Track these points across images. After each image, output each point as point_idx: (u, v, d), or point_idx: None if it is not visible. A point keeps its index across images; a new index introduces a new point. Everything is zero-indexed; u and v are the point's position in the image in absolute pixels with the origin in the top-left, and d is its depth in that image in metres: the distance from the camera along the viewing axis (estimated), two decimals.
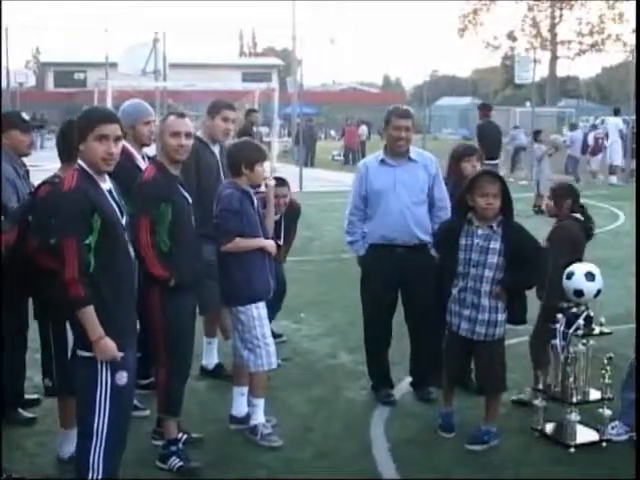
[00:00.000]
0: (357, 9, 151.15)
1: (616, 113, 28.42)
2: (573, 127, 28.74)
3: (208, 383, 7.05)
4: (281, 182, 7.29)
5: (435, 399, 6.54)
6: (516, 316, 6.03)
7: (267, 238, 5.93)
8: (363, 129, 38.19)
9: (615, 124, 27.51)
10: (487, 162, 11.68)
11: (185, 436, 5.65)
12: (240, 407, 6.09)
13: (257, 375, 5.89)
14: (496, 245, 5.73)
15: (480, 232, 5.79)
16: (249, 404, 6.02)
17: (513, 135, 31.82)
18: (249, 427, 5.93)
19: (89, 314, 4.14)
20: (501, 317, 5.83)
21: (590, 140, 28.56)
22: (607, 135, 27.45)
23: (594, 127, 33.38)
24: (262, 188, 6.25)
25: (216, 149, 6.80)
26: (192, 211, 5.39)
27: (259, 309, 5.80)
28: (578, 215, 6.55)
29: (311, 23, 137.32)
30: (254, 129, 14.58)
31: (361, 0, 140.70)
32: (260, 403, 5.91)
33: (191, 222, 5.37)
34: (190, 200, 5.38)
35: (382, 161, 6.61)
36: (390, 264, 6.54)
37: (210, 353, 7.24)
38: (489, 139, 16.08)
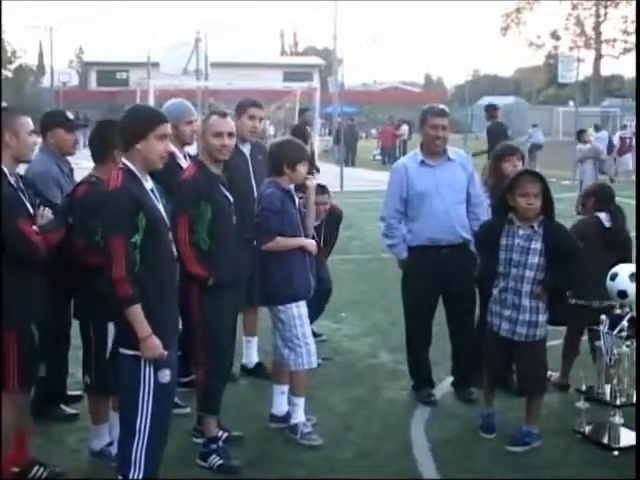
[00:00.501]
0: (399, 8, 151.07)
1: None
2: (597, 128, 28.47)
3: (248, 382, 7.08)
4: (321, 189, 7.27)
5: (476, 400, 6.51)
6: (557, 317, 6.00)
7: (308, 237, 5.93)
8: (404, 129, 38.09)
9: None
10: None
11: (225, 434, 5.68)
12: (280, 406, 6.10)
13: (297, 374, 5.89)
14: (537, 245, 5.69)
15: (521, 232, 5.74)
16: (289, 403, 6.02)
17: (530, 133, 31.94)
18: (289, 426, 5.93)
19: (137, 312, 4.17)
20: (542, 318, 5.78)
21: (615, 140, 28.36)
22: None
23: (624, 127, 33.20)
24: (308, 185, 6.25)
25: (245, 148, 6.76)
26: (233, 210, 5.40)
27: (299, 308, 5.81)
28: (602, 214, 6.58)
29: (352, 22, 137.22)
30: (308, 128, 14.56)
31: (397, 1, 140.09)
32: (300, 402, 5.92)
33: (231, 221, 5.38)
34: (231, 199, 5.40)
35: (422, 162, 6.58)
36: (435, 264, 6.51)
37: (250, 352, 7.26)
38: (499, 139, 16.02)
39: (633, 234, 7.15)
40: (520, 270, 5.72)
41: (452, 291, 6.60)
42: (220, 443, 5.50)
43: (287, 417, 6.00)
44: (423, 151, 6.62)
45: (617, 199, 7.01)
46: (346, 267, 11.76)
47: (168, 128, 4.42)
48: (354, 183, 24.44)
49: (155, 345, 4.20)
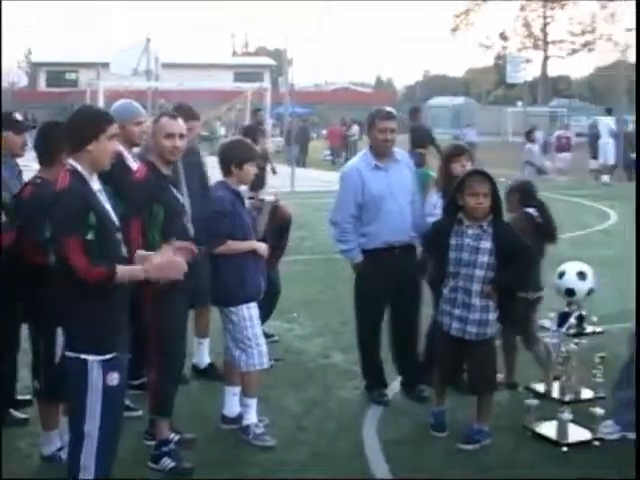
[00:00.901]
0: (350, 8, 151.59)
1: (609, 113, 28.48)
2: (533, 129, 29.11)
3: (200, 383, 7.05)
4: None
5: (428, 398, 6.54)
6: (507, 315, 6.06)
7: (259, 240, 5.93)
8: (355, 129, 38.18)
9: (607, 124, 27.57)
10: None
11: (177, 436, 5.65)
12: (232, 407, 6.09)
13: (249, 375, 5.88)
14: (486, 245, 5.73)
15: (470, 232, 5.79)
16: (241, 404, 6.01)
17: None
18: (241, 427, 5.93)
19: (123, 271, 4.16)
20: (492, 317, 5.83)
21: (552, 139, 28.95)
22: (598, 135, 27.54)
23: (566, 127, 33.96)
24: (266, 197, 6.25)
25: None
26: (184, 212, 5.38)
27: (250, 309, 5.80)
28: (531, 210, 6.70)
29: (303, 23, 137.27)
30: (261, 128, 14.52)
31: (353, 0, 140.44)
32: (252, 403, 5.91)
33: (183, 222, 5.36)
34: (182, 200, 5.38)
35: (376, 166, 6.60)
36: (389, 266, 6.56)
37: (202, 352, 7.24)
38: (422, 141, 16.28)
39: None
40: (470, 269, 5.76)
41: (402, 290, 6.65)
42: (172, 445, 5.47)
43: (239, 418, 5.99)
44: (373, 153, 6.64)
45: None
46: (298, 267, 11.75)
47: (117, 128, 4.39)
48: (306, 183, 24.47)
49: (158, 268, 4.24)
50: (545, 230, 6.79)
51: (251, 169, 5.85)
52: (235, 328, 5.80)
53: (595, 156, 27.95)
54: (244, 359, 5.81)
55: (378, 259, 6.58)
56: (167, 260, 4.29)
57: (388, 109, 6.77)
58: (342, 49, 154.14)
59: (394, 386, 6.95)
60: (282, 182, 22.38)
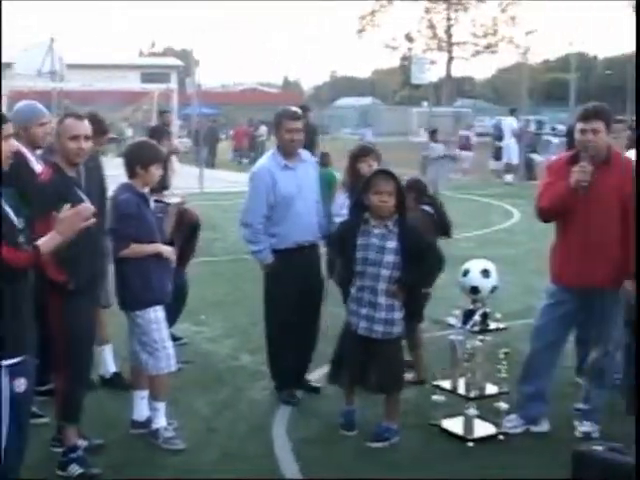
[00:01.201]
0: (256, 7, 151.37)
1: (512, 113, 29.04)
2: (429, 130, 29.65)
3: (109, 388, 6.95)
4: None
5: (328, 396, 6.59)
6: (414, 314, 6.16)
7: (165, 243, 5.89)
8: (263, 129, 38.18)
9: (510, 124, 28.11)
10: None
11: (86, 442, 5.58)
12: (141, 411, 6.03)
13: (157, 378, 5.85)
14: (392, 244, 5.79)
15: (376, 231, 5.84)
16: (150, 408, 5.97)
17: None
18: (151, 431, 5.89)
19: (44, 243, 4.12)
20: (397, 315, 5.89)
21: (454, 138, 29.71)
22: (502, 135, 28.08)
23: (469, 127, 34.78)
24: (172, 200, 6.20)
25: None
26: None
27: (156, 312, 5.77)
28: (426, 207, 6.84)
29: (210, 23, 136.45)
30: (167, 129, 14.40)
31: (259, 0, 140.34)
32: (161, 406, 5.88)
33: (88, 225, 5.29)
34: (87, 202, 5.30)
35: (285, 166, 6.62)
36: (299, 265, 6.62)
37: (106, 361, 7.04)
38: (309, 138, 16.51)
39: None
40: (376, 269, 5.81)
41: (309, 290, 6.72)
42: (80, 452, 5.40)
43: (148, 422, 5.95)
44: (281, 153, 6.67)
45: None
46: (207, 269, 11.69)
47: (11, 128, 4.27)
48: (215, 184, 24.37)
49: (66, 221, 4.23)
50: (440, 226, 6.94)
51: (157, 171, 5.81)
52: (142, 331, 5.76)
53: (496, 156, 28.50)
54: (151, 362, 5.78)
55: (288, 259, 6.61)
56: (70, 213, 4.23)
57: (294, 109, 6.82)
58: (250, 50, 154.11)
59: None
60: (191, 183, 22.28)
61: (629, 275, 5.69)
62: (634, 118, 26.11)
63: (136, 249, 5.68)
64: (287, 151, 6.64)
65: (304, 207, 6.62)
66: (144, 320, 5.74)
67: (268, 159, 6.76)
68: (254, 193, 6.66)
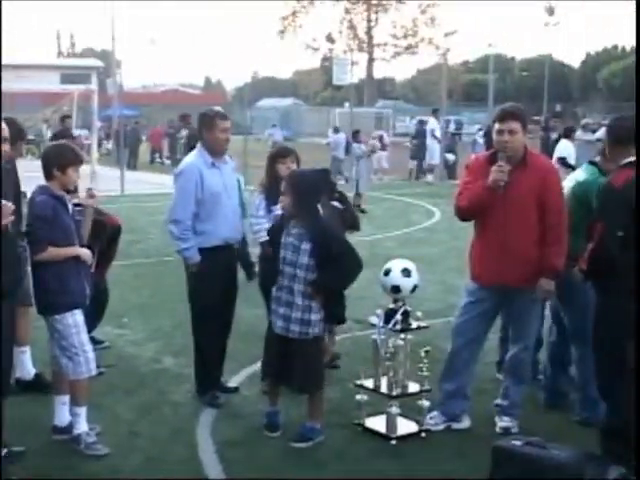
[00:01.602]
0: (177, 8, 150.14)
1: (434, 114, 29.30)
2: (336, 130, 29.66)
3: (28, 394, 6.83)
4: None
5: (248, 397, 6.60)
6: (333, 315, 6.16)
7: (82, 245, 5.81)
8: (184, 132, 37.85)
9: (431, 125, 28.40)
10: None
11: (5, 450, 5.48)
12: (62, 417, 5.96)
13: (77, 383, 5.77)
14: (307, 246, 5.75)
15: (294, 231, 5.82)
16: (71, 413, 5.89)
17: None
18: (72, 437, 5.81)
19: None
20: (315, 317, 5.84)
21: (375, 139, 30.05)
22: (423, 135, 28.34)
23: (388, 128, 35.49)
24: (81, 200, 6.12)
25: None
26: None
27: (75, 316, 5.69)
28: (335, 202, 6.91)
29: (131, 23, 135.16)
30: (70, 133, 14.27)
31: (181, 0, 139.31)
32: (82, 411, 5.80)
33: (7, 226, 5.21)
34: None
35: (212, 164, 6.61)
36: (225, 264, 6.65)
37: (25, 363, 6.94)
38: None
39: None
40: (292, 269, 5.79)
41: (230, 287, 6.76)
42: None
43: (70, 428, 5.87)
44: (208, 152, 6.64)
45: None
46: (129, 271, 11.59)
47: None
48: (136, 186, 24.10)
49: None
50: (348, 220, 7.02)
51: (74, 174, 5.74)
52: (61, 336, 5.68)
53: (414, 156, 28.75)
54: (71, 367, 5.70)
55: (214, 257, 6.58)
56: None
57: (218, 109, 6.85)
58: (171, 50, 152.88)
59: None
60: (112, 185, 22.04)
61: (546, 273, 5.80)
62: (550, 118, 26.71)
63: (53, 252, 5.60)
64: (218, 150, 6.65)
65: (230, 205, 6.67)
66: (63, 325, 5.66)
67: (195, 156, 6.72)
68: (182, 190, 6.61)
